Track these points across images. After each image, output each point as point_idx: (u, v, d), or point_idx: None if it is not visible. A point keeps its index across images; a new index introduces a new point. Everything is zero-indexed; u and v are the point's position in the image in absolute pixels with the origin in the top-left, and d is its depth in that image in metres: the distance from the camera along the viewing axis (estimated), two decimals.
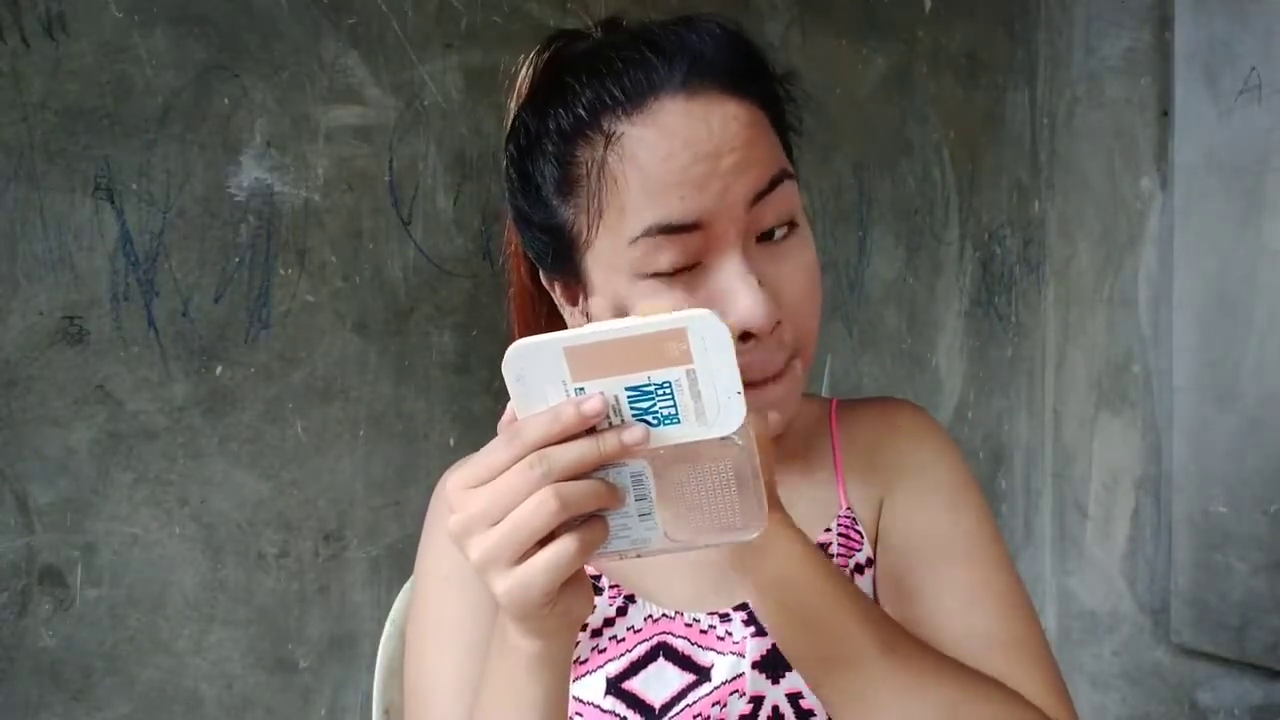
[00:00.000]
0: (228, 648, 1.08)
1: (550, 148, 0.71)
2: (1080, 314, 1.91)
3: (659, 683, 0.76)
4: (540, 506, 0.52)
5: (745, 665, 0.75)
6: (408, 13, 1.17)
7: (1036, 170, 1.93)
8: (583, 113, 0.69)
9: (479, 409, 1.23)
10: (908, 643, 0.68)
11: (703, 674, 0.76)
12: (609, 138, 0.68)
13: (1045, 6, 1.91)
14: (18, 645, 0.96)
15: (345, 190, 1.13)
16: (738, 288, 0.67)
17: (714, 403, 0.52)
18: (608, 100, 0.68)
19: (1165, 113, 1.75)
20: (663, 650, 0.77)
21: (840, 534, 0.80)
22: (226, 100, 1.06)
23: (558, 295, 0.76)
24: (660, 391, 0.52)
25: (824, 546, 0.80)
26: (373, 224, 1.15)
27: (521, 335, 0.82)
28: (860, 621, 0.66)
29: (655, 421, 0.53)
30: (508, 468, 0.53)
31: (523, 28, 1.23)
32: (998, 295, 1.87)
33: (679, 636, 0.77)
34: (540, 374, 0.52)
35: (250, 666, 1.09)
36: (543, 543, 0.53)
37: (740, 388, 0.51)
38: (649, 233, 0.67)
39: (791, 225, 0.71)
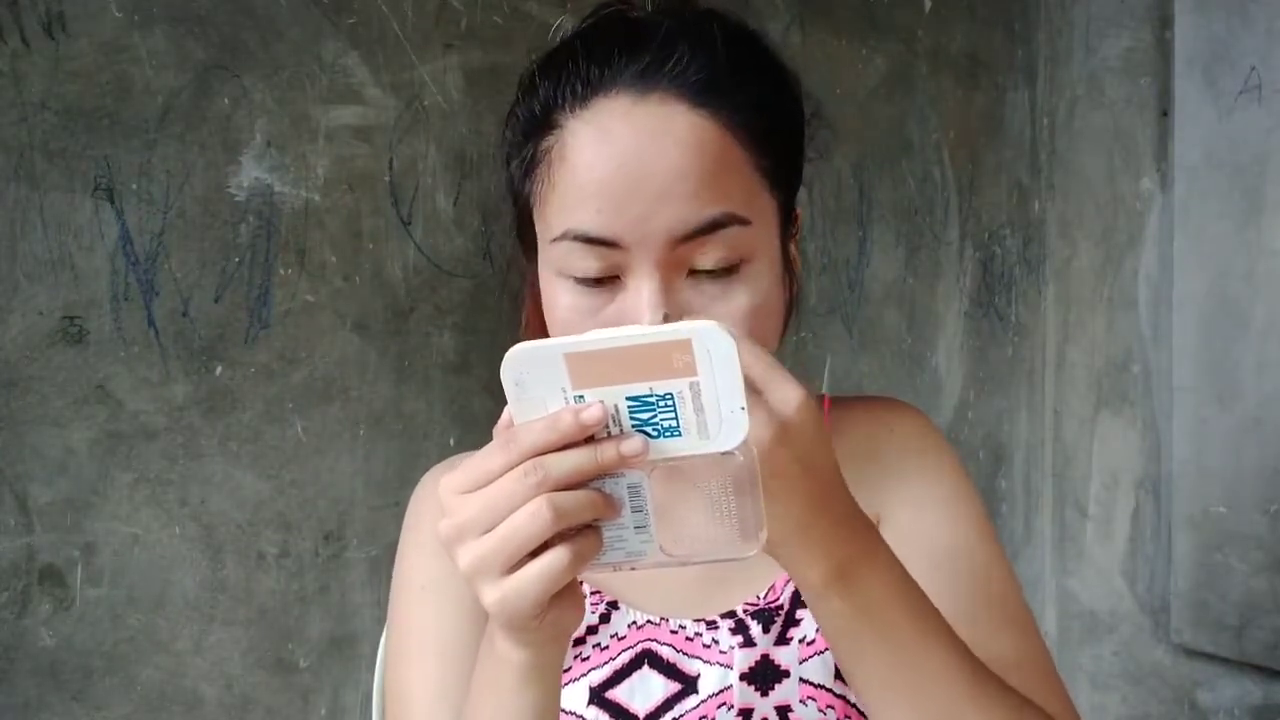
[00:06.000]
0: (228, 648, 1.08)
1: (517, 137, 0.71)
2: (1080, 314, 1.91)
3: (644, 692, 0.74)
4: (534, 516, 0.51)
5: (733, 677, 0.73)
6: (408, 13, 1.16)
7: (1036, 170, 1.93)
8: (537, 108, 0.69)
9: (479, 409, 1.23)
10: (985, 671, 0.64)
11: (689, 684, 0.74)
12: (553, 130, 0.67)
13: (1045, 6, 1.91)
14: (18, 645, 0.96)
15: (345, 190, 1.13)
16: (643, 316, 0.64)
17: (716, 417, 0.50)
18: (558, 96, 0.67)
19: (1165, 113, 1.75)
20: (648, 658, 0.75)
21: None
22: (226, 100, 1.06)
23: (528, 266, 0.77)
24: (662, 403, 0.51)
25: None
26: (373, 224, 1.15)
27: (532, 310, 0.82)
28: (947, 650, 0.62)
29: (655, 433, 0.52)
30: (502, 474, 0.52)
31: (523, 28, 1.23)
32: (998, 295, 1.87)
33: (664, 644, 0.75)
34: (539, 379, 0.51)
35: (250, 666, 1.09)
36: (535, 553, 0.52)
37: (744, 403, 0.50)
38: (565, 236, 0.65)
39: (735, 266, 0.66)
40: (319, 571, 1.13)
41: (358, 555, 1.16)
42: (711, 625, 0.75)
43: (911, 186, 1.72)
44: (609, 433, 0.52)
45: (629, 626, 0.76)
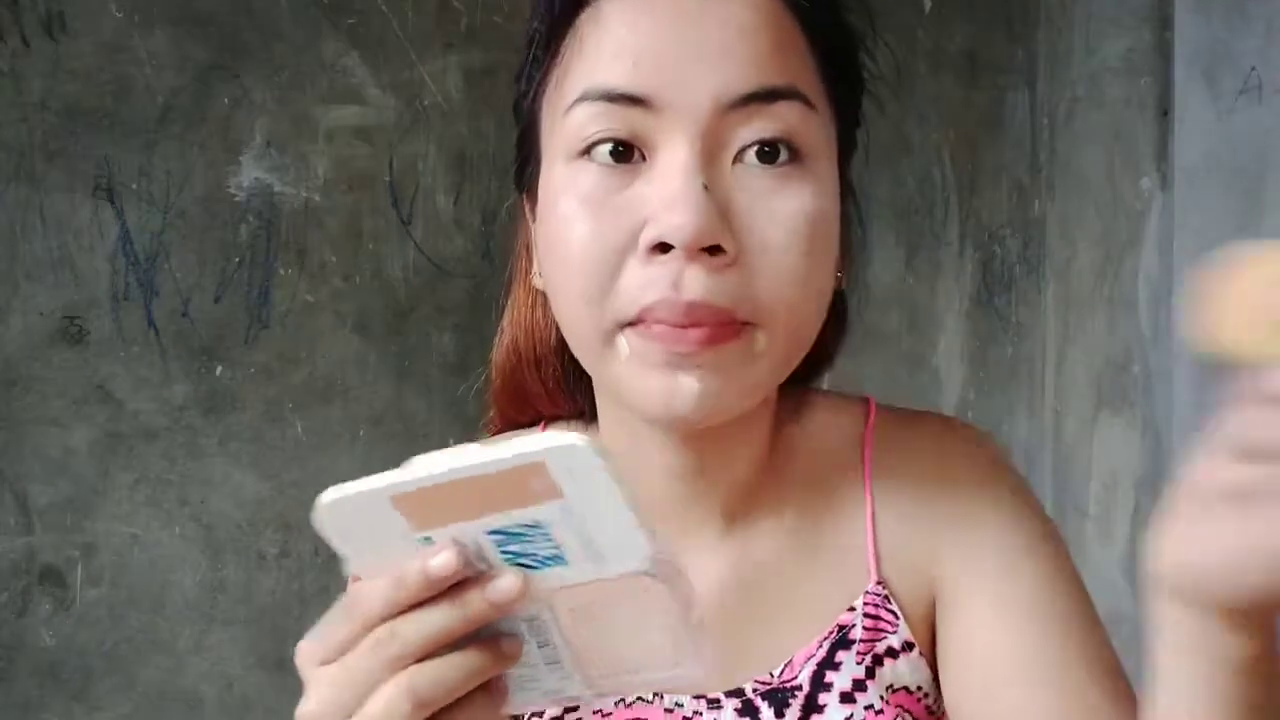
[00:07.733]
0: (228, 648, 1.08)
1: (543, 30, 0.60)
2: (1080, 314, 1.91)
3: None
4: (392, 707, 0.41)
5: None
6: (408, 13, 1.16)
7: (1036, 170, 1.93)
8: None
9: (478, 409, 1.23)
10: None
11: None
12: (590, 5, 0.56)
13: (1045, 6, 1.91)
14: (18, 645, 0.96)
15: (345, 190, 1.13)
16: (671, 183, 0.51)
17: (605, 538, 0.41)
18: None
19: (1165, 113, 1.75)
20: None
21: (867, 614, 0.62)
22: (226, 100, 1.06)
23: (529, 215, 0.63)
24: (533, 531, 0.40)
25: (843, 629, 0.62)
26: (373, 224, 1.15)
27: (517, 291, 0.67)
28: None
29: (535, 564, 0.41)
30: (353, 646, 0.42)
31: (523, 28, 1.23)
32: (998, 295, 1.87)
33: None
34: (369, 528, 0.41)
35: (250, 666, 1.09)
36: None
37: (637, 521, 0.40)
38: (586, 96, 0.53)
39: (793, 156, 0.54)
40: (319, 571, 1.13)
41: None
42: (714, 704, 0.62)
43: (911, 186, 1.72)
44: (478, 570, 0.41)
45: (616, 703, 0.63)
